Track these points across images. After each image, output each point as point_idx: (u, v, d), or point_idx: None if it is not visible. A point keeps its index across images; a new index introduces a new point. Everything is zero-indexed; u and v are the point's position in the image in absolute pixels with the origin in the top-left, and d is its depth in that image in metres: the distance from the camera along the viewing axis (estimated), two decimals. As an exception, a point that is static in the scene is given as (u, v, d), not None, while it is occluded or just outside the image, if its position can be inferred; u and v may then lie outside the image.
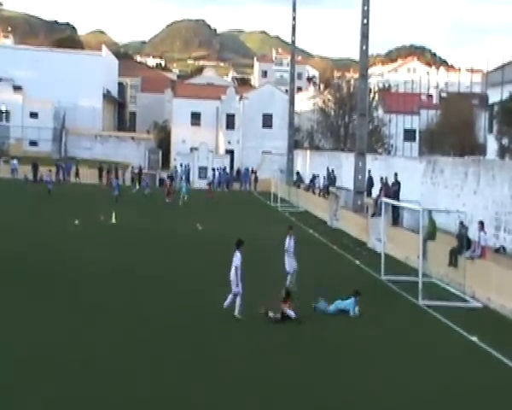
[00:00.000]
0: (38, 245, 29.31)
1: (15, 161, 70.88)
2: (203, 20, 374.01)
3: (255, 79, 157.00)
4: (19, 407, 11.78)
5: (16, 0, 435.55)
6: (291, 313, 18.19)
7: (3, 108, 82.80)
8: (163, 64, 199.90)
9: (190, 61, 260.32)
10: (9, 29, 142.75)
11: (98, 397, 12.35)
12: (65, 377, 13.30)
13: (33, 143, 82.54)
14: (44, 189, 54.66)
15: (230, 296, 18.29)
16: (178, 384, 13.32)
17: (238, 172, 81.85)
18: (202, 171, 77.92)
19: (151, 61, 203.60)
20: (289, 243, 22.56)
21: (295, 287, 21.57)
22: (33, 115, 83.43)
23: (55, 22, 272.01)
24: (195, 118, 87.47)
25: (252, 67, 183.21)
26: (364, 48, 41.73)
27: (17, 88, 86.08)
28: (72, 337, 15.98)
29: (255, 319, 18.41)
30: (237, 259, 18.07)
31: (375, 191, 39.80)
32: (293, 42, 70.65)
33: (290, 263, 22.59)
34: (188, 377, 13.74)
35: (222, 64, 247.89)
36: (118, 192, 51.56)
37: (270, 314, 18.18)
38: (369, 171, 42.67)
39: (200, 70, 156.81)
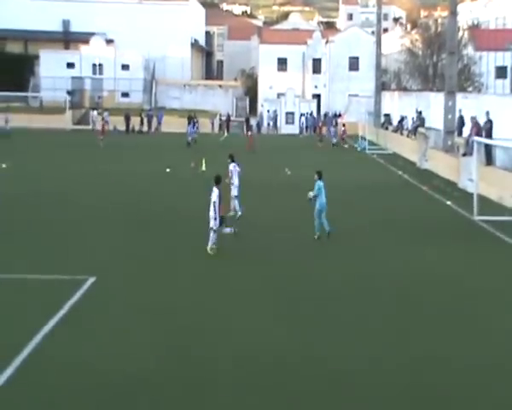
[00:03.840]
0: (137, 192, 30.57)
1: (106, 113, 73.07)
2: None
3: (341, 22, 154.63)
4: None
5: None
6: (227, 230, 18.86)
7: (97, 62, 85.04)
8: (249, 11, 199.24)
9: (275, 7, 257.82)
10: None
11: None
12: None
13: (125, 95, 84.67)
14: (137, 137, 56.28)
15: (213, 234, 18.51)
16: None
17: (325, 116, 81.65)
18: (289, 116, 78.16)
19: (237, 9, 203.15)
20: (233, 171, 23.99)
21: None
22: (125, 67, 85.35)
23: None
24: (282, 63, 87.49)
25: (337, 10, 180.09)
26: (454, -16, 40.77)
27: (109, 41, 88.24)
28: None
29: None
30: (215, 195, 18.28)
31: (466, 131, 39.14)
32: (380, -18, 69.28)
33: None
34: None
35: (307, 9, 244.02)
36: (191, 138, 54.11)
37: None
38: (460, 110, 41.90)
39: (285, 16, 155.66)
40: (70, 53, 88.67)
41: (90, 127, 72.06)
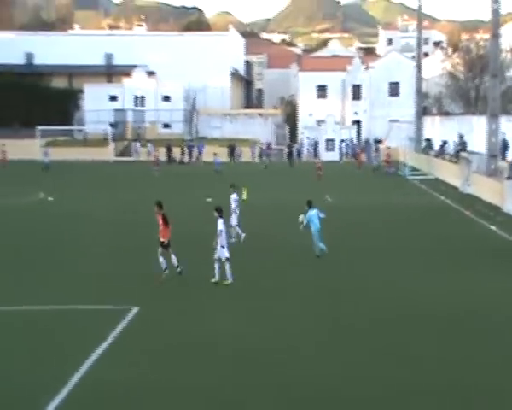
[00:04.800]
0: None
1: (150, 144, 74.11)
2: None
3: (380, 47, 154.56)
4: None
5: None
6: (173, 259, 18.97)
7: (139, 94, 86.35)
8: (288, 39, 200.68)
9: (315, 35, 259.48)
10: (142, 17, 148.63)
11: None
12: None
13: (166, 126, 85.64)
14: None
15: (218, 265, 18.52)
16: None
17: (366, 142, 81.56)
18: (330, 143, 78.20)
19: (276, 38, 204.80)
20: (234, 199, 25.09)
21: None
22: (166, 99, 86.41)
23: (184, 7, 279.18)
24: (321, 90, 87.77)
25: (376, 36, 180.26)
26: (496, 6, 40.62)
27: (150, 73, 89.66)
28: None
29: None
30: (221, 224, 18.51)
31: (511, 154, 38.74)
32: (420, 6, 69.24)
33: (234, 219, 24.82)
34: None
35: (346, 35, 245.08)
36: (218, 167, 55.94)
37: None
38: (504, 133, 41.54)
39: (324, 43, 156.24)
40: (113, 86, 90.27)
41: (133, 158, 73.14)
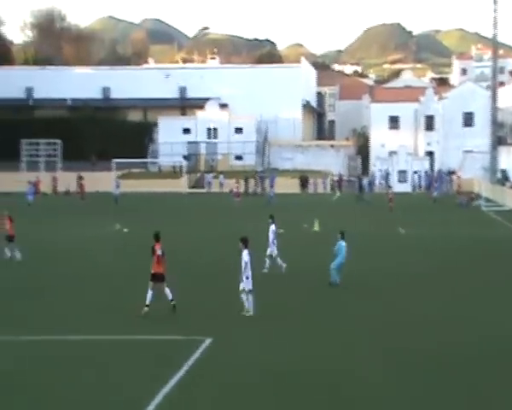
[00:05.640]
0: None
1: (222, 176, 74.98)
2: (398, 24, 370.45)
3: (454, 77, 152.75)
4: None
5: (221, 23, 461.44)
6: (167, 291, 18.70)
7: (212, 126, 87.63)
8: (360, 70, 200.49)
9: (387, 66, 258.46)
10: (215, 50, 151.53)
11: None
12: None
13: (238, 158, 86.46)
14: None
15: (245, 296, 18.50)
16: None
17: (439, 172, 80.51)
18: (402, 174, 77.49)
19: (348, 69, 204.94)
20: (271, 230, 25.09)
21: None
22: (238, 130, 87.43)
23: (256, 40, 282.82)
24: (394, 121, 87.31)
25: (450, 65, 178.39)
26: None
27: (223, 106, 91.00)
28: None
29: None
30: (246, 255, 18.34)
31: None
32: (495, 35, 68.37)
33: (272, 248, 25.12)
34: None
35: (419, 65, 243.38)
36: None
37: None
38: None
39: (397, 73, 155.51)
40: (186, 119, 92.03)
41: (205, 190, 74.12)
